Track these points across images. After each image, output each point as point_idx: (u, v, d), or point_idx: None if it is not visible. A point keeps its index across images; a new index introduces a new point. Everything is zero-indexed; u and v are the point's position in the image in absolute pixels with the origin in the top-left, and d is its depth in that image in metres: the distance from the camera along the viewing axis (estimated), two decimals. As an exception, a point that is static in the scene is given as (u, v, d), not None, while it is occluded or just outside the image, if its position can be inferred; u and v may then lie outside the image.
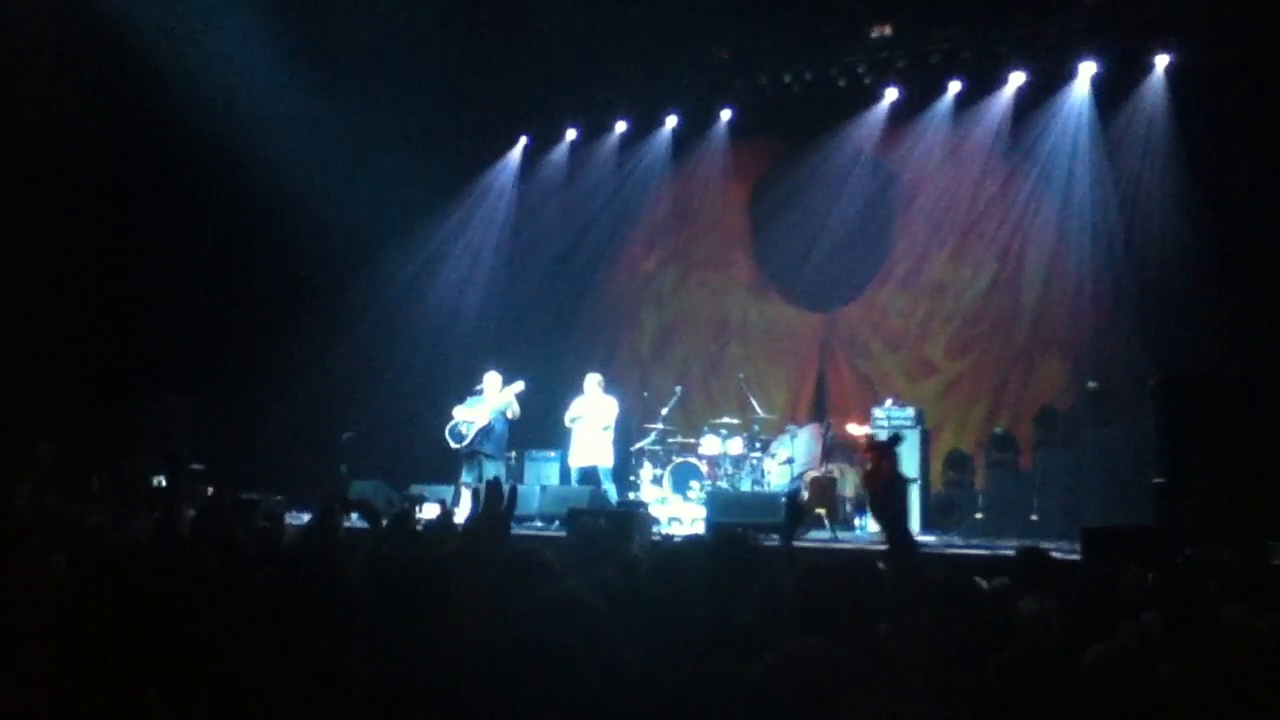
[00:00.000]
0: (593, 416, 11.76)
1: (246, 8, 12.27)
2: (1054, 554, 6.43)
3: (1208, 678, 2.99)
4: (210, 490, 7.32)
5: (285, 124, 12.66)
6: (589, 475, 11.79)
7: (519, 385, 11.62)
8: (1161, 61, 11.75)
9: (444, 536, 5.41)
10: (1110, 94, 12.09)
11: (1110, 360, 11.61)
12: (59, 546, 3.99)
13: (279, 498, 10.48)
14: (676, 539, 8.85)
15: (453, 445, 11.80)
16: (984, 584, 4.23)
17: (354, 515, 6.17)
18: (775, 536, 10.00)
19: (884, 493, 2.32)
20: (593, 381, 11.97)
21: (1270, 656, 2.47)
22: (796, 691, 1.77)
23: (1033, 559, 4.88)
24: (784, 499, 10.73)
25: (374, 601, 3.00)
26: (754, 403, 12.32)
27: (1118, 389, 11.10)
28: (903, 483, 2.40)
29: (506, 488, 3.03)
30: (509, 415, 11.70)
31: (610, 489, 11.69)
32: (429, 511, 7.82)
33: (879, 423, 11.37)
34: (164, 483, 8.25)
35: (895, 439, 2.47)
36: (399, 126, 13.88)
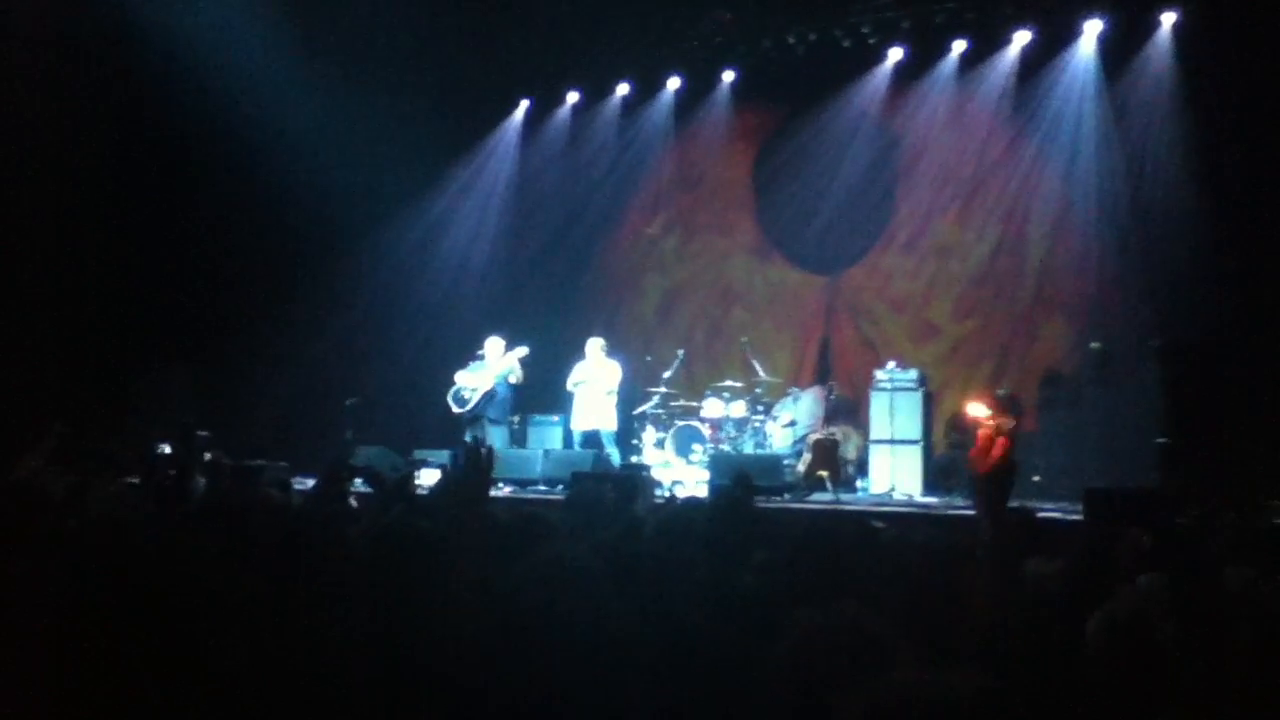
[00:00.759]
0: (595, 380, 11.77)
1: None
2: (1053, 514, 6.47)
3: (1209, 640, 3.00)
4: (213, 456, 7.28)
5: (282, 90, 12.58)
6: (592, 439, 11.83)
7: (522, 350, 11.62)
8: (1168, 19, 11.64)
9: (445, 502, 5.43)
10: (1116, 53, 11.98)
11: (1114, 322, 11.58)
12: (67, 517, 4.00)
13: (284, 464, 10.51)
14: (679, 501, 8.88)
15: (455, 410, 11.82)
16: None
17: (358, 481, 6.19)
18: (778, 500, 10.08)
19: (1004, 476, 2.31)
20: (595, 346, 11.98)
21: (1273, 619, 2.47)
22: (825, 662, 1.77)
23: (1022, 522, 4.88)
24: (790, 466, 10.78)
25: (375, 569, 3.01)
26: (757, 366, 12.32)
27: (1122, 351, 11.08)
28: (1015, 467, 2.38)
29: (484, 451, 3.01)
30: (512, 380, 11.71)
31: (614, 452, 11.73)
32: (429, 476, 7.84)
33: (881, 385, 11.38)
34: (169, 450, 8.24)
35: (1011, 422, 2.46)
36: (399, 92, 13.80)
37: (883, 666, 1.72)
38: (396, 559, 2.99)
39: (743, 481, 4.09)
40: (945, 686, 1.57)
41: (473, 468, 2.85)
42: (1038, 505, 8.75)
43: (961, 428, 11.81)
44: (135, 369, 12.89)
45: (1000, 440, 2.30)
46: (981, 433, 2.34)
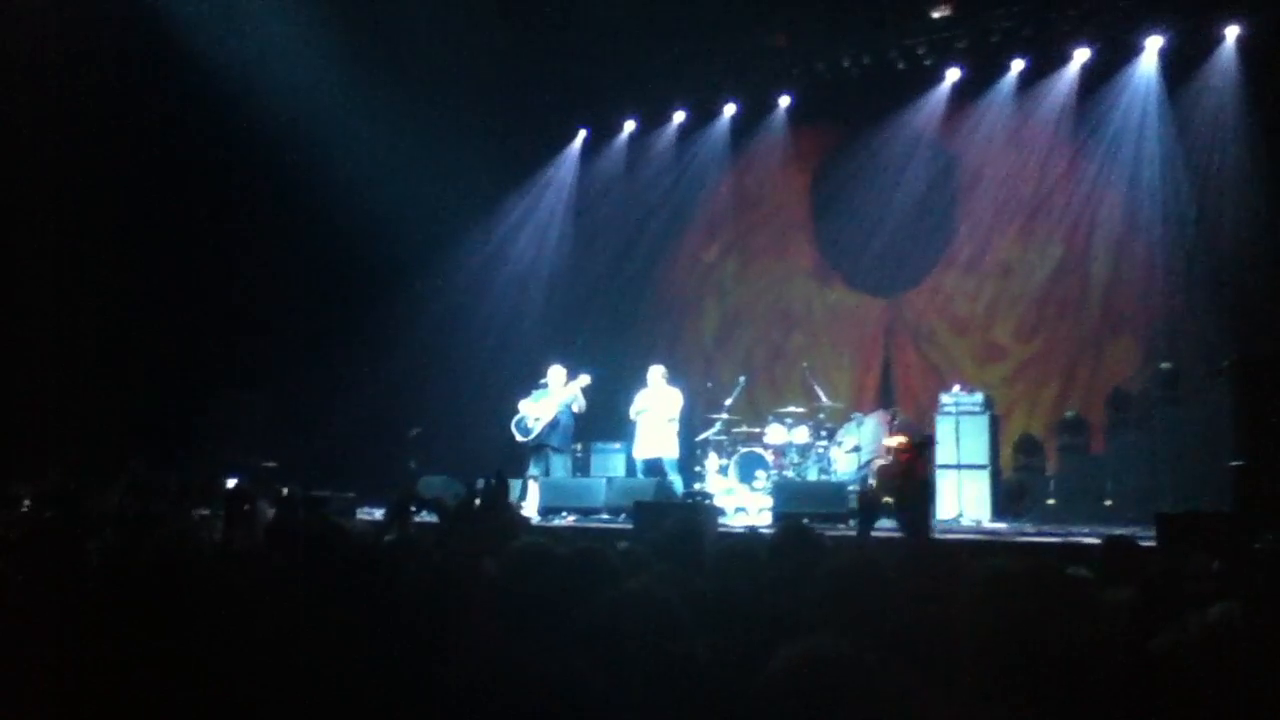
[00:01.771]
0: (657, 408, 11.75)
1: (305, 6, 12.44)
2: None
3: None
4: (285, 490, 7.43)
5: (347, 121, 12.85)
6: (654, 467, 11.80)
7: (585, 379, 11.65)
8: (1232, 32, 11.47)
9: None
10: (1179, 68, 11.83)
11: (1183, 340, 11.36)
12: (138, 546, 4.10)
13: (351, 494, 10.64)
14: (741, 530, 8.83)
15: (519, 439, 11.87)
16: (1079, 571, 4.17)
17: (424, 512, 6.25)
18: (842, 527, 9.99)
19: (917, 492, 2.29)
20: (656, 373, 11.97)
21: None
22: (806, 693, 1.75)
23: (1120, 549, 4.78)
24: (855, 493, 10.66)
25: (434, 599, 3.04)
26: (819, 391, 12.25)
27: (1191, 370, 10.85)
28: (930, 485, 2.35)
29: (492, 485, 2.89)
30: (575, 409, 11.74)
31: (676, 480, 11.69)
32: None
33: (946, 409, 11.26)
34: (237, 483, 8.42)
35: (928, 441, 2.42)
36: (459, 122, 13.99)
37: (872, 698, 1.71)
38: (451, 590, 3.02)
39: (797, 530, 4.06)
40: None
41: (495, 493, 2.80)
42: (1107, 530, 8.59)
43: (1030, 451, 11.65)
44: (205, 399, 13.13)
45: (907, 458, 2.29)
46: (899, 459, 2.32)
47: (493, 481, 2.74)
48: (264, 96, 12.52)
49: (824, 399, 12.17)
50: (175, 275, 13.24)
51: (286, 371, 13.59)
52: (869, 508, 6.16)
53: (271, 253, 13.77)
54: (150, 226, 13.01)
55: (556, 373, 11.91)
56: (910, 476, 2.18)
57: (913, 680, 2.03)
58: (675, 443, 11.81)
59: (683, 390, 12.12)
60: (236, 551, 2.99)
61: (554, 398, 11.77)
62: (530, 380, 12.25)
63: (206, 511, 6.69)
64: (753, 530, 8.86)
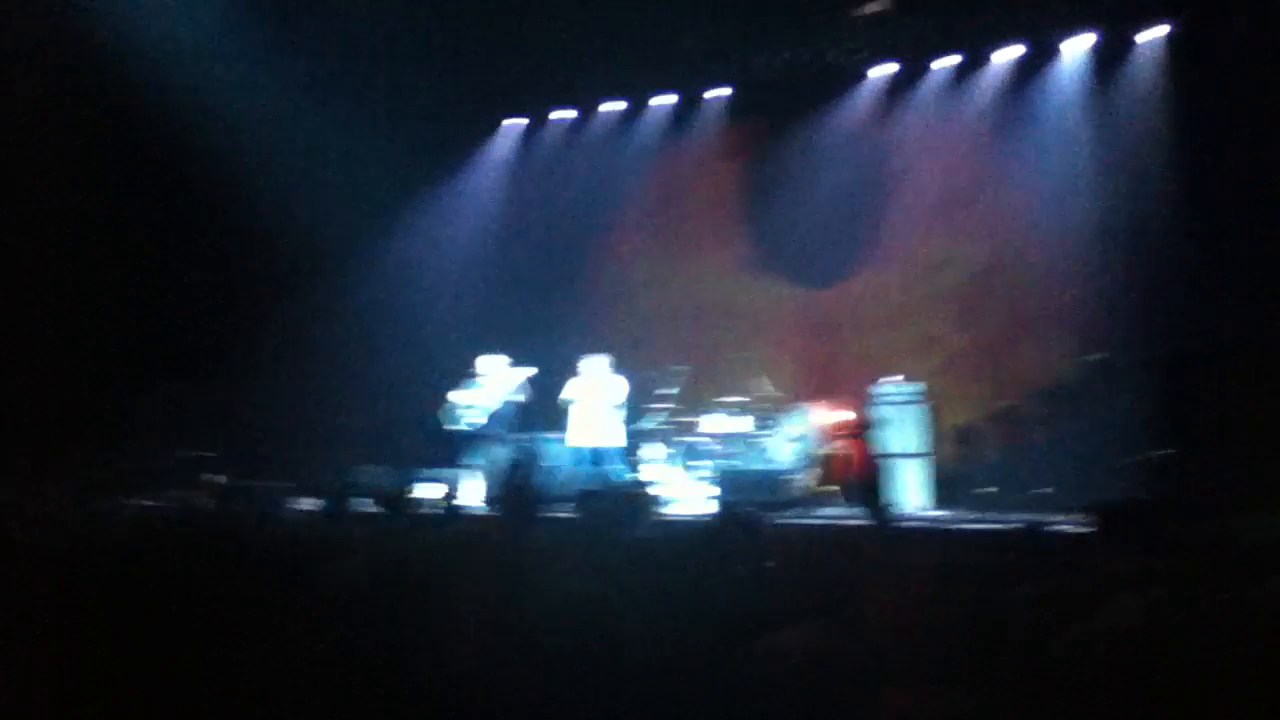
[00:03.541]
0: (602, 396, 11.73)
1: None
2: (1064, 527, 6.46)
3: (1208, 653, 3.00)
4: (222, 479, 7.35)
5: (274, 111, 12.67)
6: (600, 456, 11.77)
7: (530, 370, 11.62)
8: (1158, 32, 11.69)
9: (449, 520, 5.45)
10: (1107, 65, 12.05)
11: (1115, 331, 11.58)
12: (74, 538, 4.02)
13: (288, 484, 10.52)
14: (684, 518, 8.87)
15: (446, 427, 11.84)
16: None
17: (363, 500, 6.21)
18: (787, 514, 10.05)
19: (871, 472, 2.30)
20: (602, 362, 11.93)
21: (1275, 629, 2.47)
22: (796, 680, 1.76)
23: (1032, 535, 4.88)
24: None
25: (378, 590, 3.03)
26: (760, 381, 12.32)
27: (1121, 361, 11.07)
28: (877, 468, 2.35)
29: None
30: (520, 400, 11.72)
31: (620, 469, 11.71)
32: (424, 492, 7.85)
33: (886, 398, 11.38)
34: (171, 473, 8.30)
35: (868, 424, 2.42)
36: (389, 109, 13.89)
37: (863, 687, 1.72)
38: (397, 578, 3.00)
39: (736, 517, 4.09)
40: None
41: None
42: (1047, 519, 8.75)
43: (967, 440, 11.84)
44: (137, 389, 12.90)
45: (859, 443, 2.31)
46: (844, 442, 2.34)
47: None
48: (185, 84, 12.30)
49: (765, 389, 12.24)
50: (104, 267, 13.00)
51: (216, 363, 13.41)
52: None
53: (201, 242, 13.59)
54: (76, 219, 12.77)
55: (486, 363, 11.87)
56: (855, 460, 2.19)
57: (883, 667, 2.06)
58: (622, 431, 11.82)
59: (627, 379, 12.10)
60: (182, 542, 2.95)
61: (494, 386, 11.73)
62: (461, 371, 12.20)
63: (150, 502, 6.60)
64: (690, 519, 8.92)
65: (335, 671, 2.54)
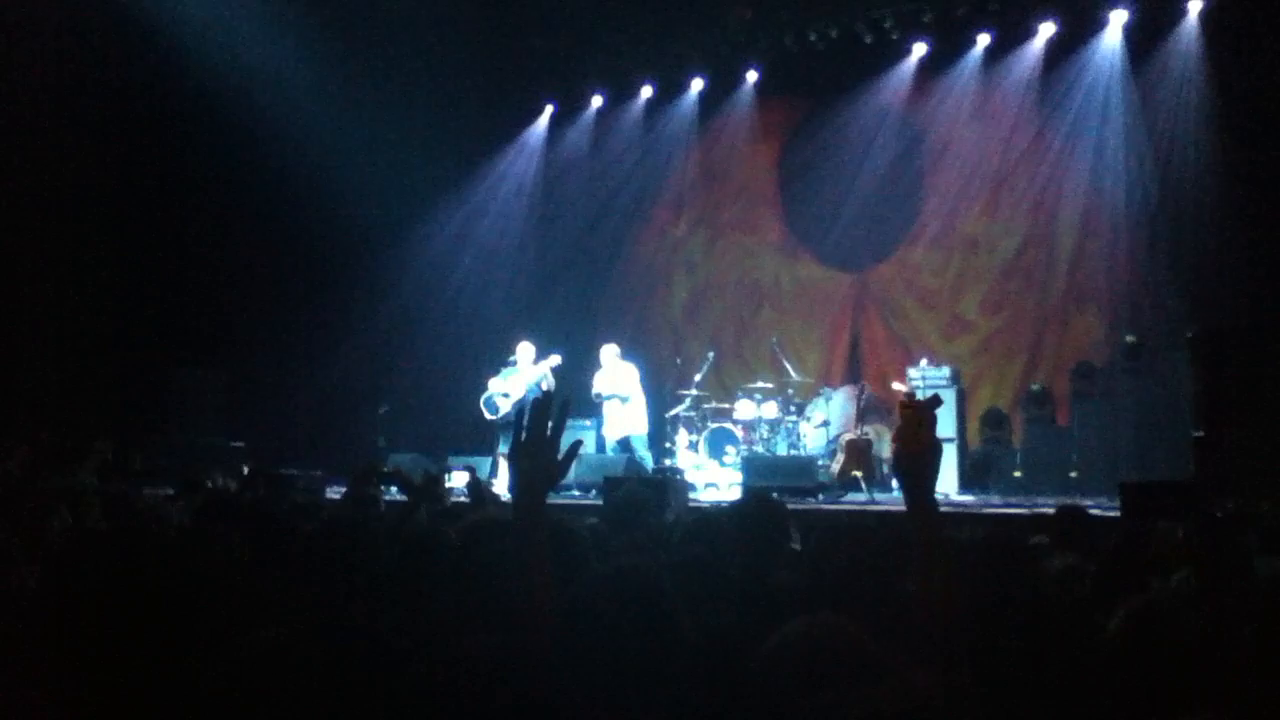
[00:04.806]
0: (613, 388, 11.76)
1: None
2: (1092, 510, 6.41)
3: (1242, 633, 2.97)
4: (246, 469, 7.38)
5: (313, 98, 12.71)
6: (624, 446, 11.81)
7: (555, 359, 11.62)
8: (1195, 6, 11.53)
9: (475, 505, 5.46)
10: (1143, 42, 11.88)
11: (1146, 313, 11.47)
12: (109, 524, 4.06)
13: (317, 472, 10.59)
14: (713, 505, 8.86)
15: (487, 416, 11.84)
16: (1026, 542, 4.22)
17: (392, 488, 6.23)
18: (812, 499, 10.05)
19: (924, 455, 2.24)
20: (609, 352, 11.94)
21: None
22: (800, 672, 1.74)
23: (1071, 517, 4.85)
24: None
25: (406, 574, 3.03)
26: (788, 366, 12.29)
27: (1154, 342, 10.97)
28: (939, 447, 2.27)
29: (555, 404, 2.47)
30: (544, 388, 11.73)
31: (646, 456, 11.71)
32: (457, 480, 7.86)
33: (913, 382, 11.34)
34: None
35: (936, 400, 2.35)
36: (425, 96, 13.88)
37: (865, 675, 1.70)
38: (430, 565, 3.01)
39: (761, 501, 4.08)
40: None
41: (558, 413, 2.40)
42: (1073, 500, 8.68)
43: (997, 424, 11.75)
44: (169, 378, 13.00)
45: (925, 417, 2.22)
46: (905, 413, 2.26)
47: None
48: (223, 71, 12.37)
49: (793, 374, 12.21)
50: (138, 253, 13.09)
51: (252, 350, 13.49)
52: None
53: (235, 229, 13.64)
54: (110, 204, 12.86)
55: (525, 349, 11.88)
56: (919, 438, 2.14)
57: (899, 656, 2.04)
58: (641, 419, 11.82)
59: (649, 366, 12.13)
60: (203, 532, 2.97)
61: (523, 375, 11.74)
62: (499, 357, 12.23)
63: (171, 491, 6.64)
64: (724, 503, 8.90)
65: (353, 657, 2.54)
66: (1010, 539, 3.98)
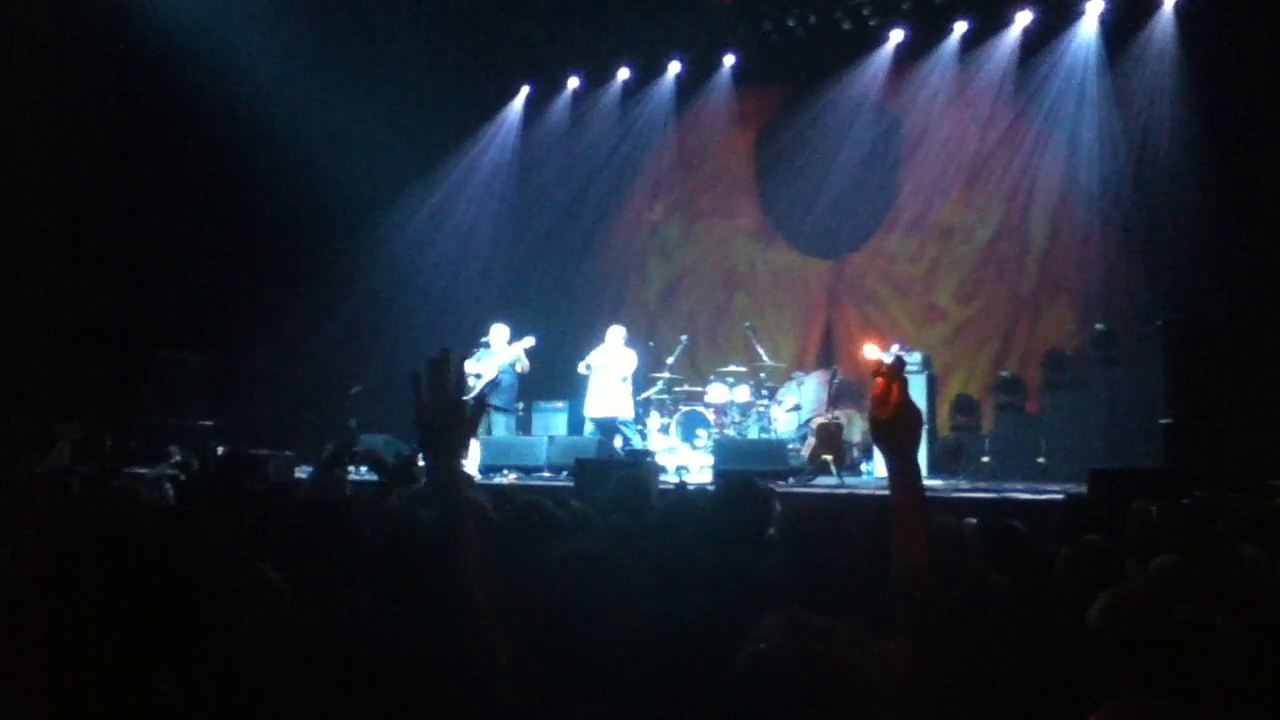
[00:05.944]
0: (613, 367, 11.70)
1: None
2: (1059, 496, 6.43)
3: (1224, 619, 3.00)
4: (220, 449, 7.33)
5: (284, 78, 12.57)
6: (608, 426, 11.77)
7: (529, 340, 11.58)
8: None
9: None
10: (1118, 32, 11.94)
11: (1118, 302, 11.56)
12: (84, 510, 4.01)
13: (289, 453, 10.52)
14: (686, 487, 8.86)
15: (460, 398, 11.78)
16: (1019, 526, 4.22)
17: (362, 469, 6.19)
18: (784, 483, 10.06)
19: (899, 419, 2.20)
20: (616, 334, 11.89)
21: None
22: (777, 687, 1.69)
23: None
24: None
25: (382, 555, 3.00)
26: (760, 350, 12.30)
27: (1125, 331, 11.06)
28: (917, 411, 2.22)
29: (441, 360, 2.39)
30: (518, 370, 11.69)
31: (635, 437, 11.71)
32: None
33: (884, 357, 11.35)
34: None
35: (899, 362, 2.30)
36: (400, 78, 13.77)
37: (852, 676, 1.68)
38: (402, 545, 2.98)
39: (742, 483, 4.04)
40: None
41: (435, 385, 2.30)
42: (1042, 487, 8.75)
43: (967, 410, 11.83)
44: (140, 360, 12.86)
45: (896, 381, 2.19)
46: (878, 379, 2.21)
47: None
48: (197, 53, 12.22)
49: (765, 359, 12.23)
50: (110, 234, 12.94)
51: (224, 332, 13.37)
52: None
53: (206, 211, 13.49)
54: (84, 188, 12.70)
55: (499, 331, 11.83)
56: (891, 402, 2.04)
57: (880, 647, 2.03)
58: (630, 402, 11.81)
59: (638, 353, 12.08)
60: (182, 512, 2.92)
61: (496, 357, 11.69)
62: (473, 339, 12.17)
63: (146, 471, 6.58)
64: (690, 486, 8.91)
65: (333, 640, 2.52)
66: (1003, 525, 3.98)
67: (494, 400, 11.63)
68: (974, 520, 3.72)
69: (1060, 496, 6.52)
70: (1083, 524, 4.20)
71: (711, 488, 8.32)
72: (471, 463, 11.19)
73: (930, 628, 2.09)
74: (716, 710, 1.73)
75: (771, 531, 3.95)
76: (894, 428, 2.17)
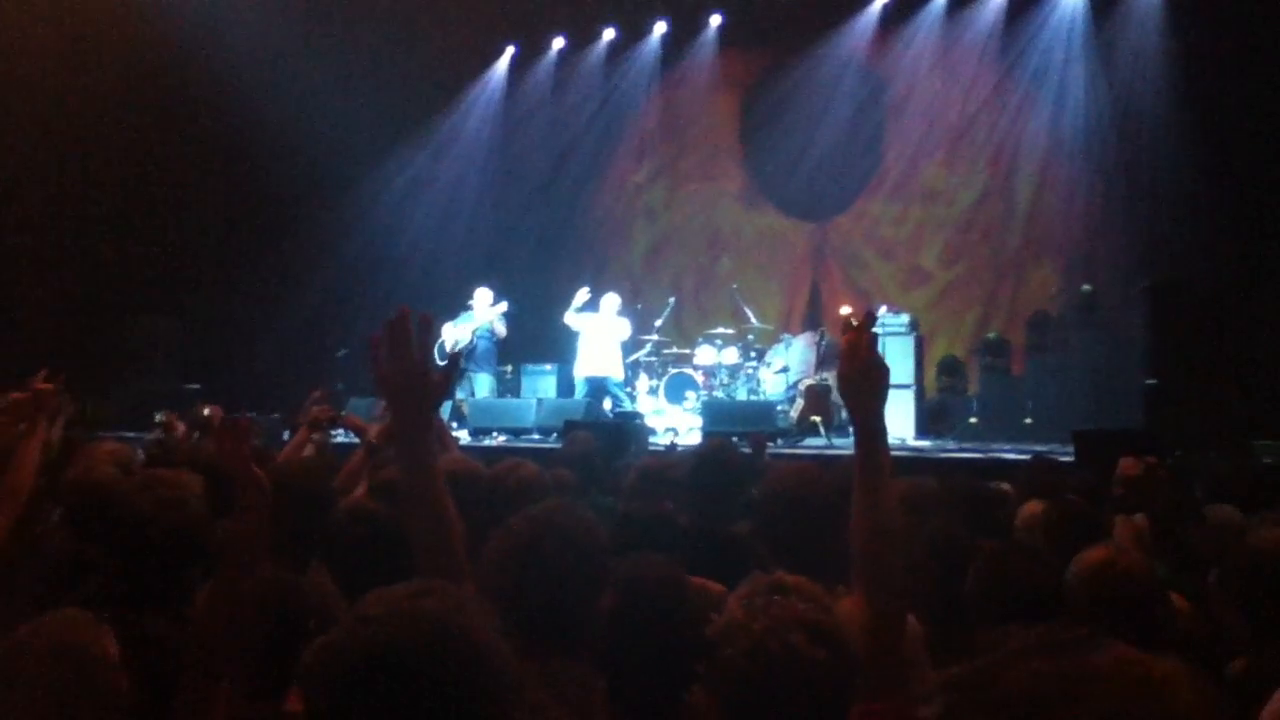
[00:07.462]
0: (605, 331, 11.68)
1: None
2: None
3: (1190, 577, 3.04)
4: (206, 410, 7.30)
5: (268, 40, 12.44)
6: (598, 386, 11.75)
7: (503, 305, 11.56)
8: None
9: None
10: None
11: (1102, 265, 11.60)
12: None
13: (275, 415, 10.50)
14: (674, 449, 8.88)
15: (438, 362, 11.73)
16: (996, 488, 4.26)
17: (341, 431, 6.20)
18: (773, 444, 10.08)
19: (865, 374, 2.20)
20: (611, 302, 11.81)
21: (1259, 555, 2.49)
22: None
23: (1043, 467, 4.88)
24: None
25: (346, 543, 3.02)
26: (748, 312, 12.31)
27: (1109, 293, 11.10)
28: (884, 366, 2.21)
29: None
30: (495, 333, 11.67)
31: (624, 398, 11.73)
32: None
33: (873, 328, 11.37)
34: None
35: (869, 317, 2.31)
36: (382, 40, 13.63)
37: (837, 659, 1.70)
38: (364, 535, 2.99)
39: (718, 446, 4.05)
40: None
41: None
42: (1027, 447, 8.80)
43: (952, 371, 11.87)
44: (125, 325, 12.80)
45: (863, 337, 2.20)
46: (846, 335, 2.22)
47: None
48: (175, 16, 12.07)
49: (753, 320, 12.24)
50: (92, 198, 12.84)
51: (209, 295, 13.31)
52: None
53: (190, 174, 13.40)
54: (61, 153, 12.58)
55: (482, 295, 11.79)
56: (858, 358, 2.02)
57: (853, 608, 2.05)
58: (620, 365, 11.80)
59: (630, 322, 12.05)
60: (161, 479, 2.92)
61: (474, 321, 11.68)
62: (458, 302, 12.14)
63: (131, 435, 6.57)
64: (679, 448, 8.93)
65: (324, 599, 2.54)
66: (976, 486, 4.01)
67: (468, 364, 11.61)
68: (933, 479, 3.74)
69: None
70: (1047, 484, 4.24)
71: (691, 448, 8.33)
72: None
73: (888, 582, 2.11)
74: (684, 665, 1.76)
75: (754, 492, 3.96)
76: (859, 380, 2.19)
